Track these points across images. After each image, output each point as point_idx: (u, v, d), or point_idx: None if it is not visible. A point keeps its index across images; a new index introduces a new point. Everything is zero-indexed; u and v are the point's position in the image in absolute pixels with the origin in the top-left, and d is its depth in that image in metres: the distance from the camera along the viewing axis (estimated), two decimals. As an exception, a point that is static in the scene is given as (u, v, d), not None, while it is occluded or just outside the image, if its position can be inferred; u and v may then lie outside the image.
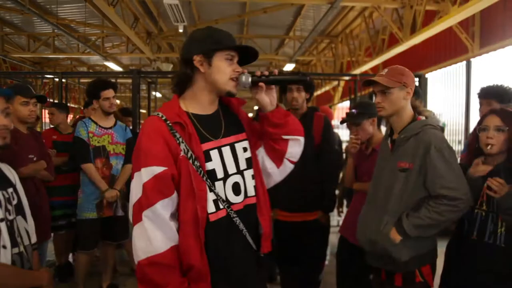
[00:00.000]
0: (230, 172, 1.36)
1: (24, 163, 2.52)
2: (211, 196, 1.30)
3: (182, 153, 1.28)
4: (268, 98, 1.41)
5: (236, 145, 1.40)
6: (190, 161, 1.28)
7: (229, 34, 1.39)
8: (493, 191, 1.67)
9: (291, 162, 1.54)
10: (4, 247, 1.34)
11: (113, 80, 4.56)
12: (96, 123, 3.06)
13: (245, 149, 1.42)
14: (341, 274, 2.62)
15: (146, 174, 1.25)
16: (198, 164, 1.29)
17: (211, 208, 1.30)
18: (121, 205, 3.06)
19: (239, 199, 1.37)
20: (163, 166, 1.25)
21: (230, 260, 1.33)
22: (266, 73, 1.38)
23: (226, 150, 1.37)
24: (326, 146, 2.69)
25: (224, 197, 1.33)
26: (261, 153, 1.51)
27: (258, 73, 1.37)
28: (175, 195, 1.28)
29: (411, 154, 1.72)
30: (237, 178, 1.37)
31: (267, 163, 1.50)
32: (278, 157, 1.49)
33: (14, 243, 1.39)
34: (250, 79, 1.36)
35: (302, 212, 2.68)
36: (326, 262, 4.03)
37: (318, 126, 2.69)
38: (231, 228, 1.33)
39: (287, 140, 1.46)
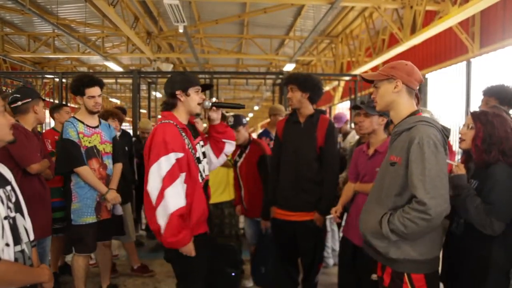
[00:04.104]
0: (201, 159, 2.22)
1: (36, 159, 2.68)
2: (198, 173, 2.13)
3: (186, 146, 2.06)
4: (217, 115, 2.28)
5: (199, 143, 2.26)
6: (190, 150, 2.09)
7: (194, 75, 2.31)
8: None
9: (226, 156, 2.42)
10: (7, 244, 1.34)
11: (112, 80, 4.52)
12: (82, 122, 2.87)
13: (202, 146, 2.27)
14: (343, 275, 2.63)
15: (174, 156, 1.98)
16: (193, 152, 2.12)
17: (200, 179, 2.14)
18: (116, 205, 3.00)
19: (205, 175, 2.22)
20: (182, 153, 2.01)
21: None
22: (216, 100, 2.27)
23: (198, 146, 2.22)
24: (328, 148, 2.70)
25: (203, 173, 2.19)
26: (208, 148, 2.35)
27: (213, 100, 2.24)
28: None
29: (400, 148, 1.67)
30: (203, 162, 2.24)
31: (211, 155, 2.37)
32: (218, 152, 2.37)
33: (16, 241, 1.40)
34: (210, 104, 2.21)
35: (299, 211, 2.70)
36: (331, 262, 4.04)
37: (322, 128, 2.72)
38: (205, 192, 2.18)
39: (225, 142, 2.35)
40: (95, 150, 2.88)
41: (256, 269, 3.21)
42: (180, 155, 1.99)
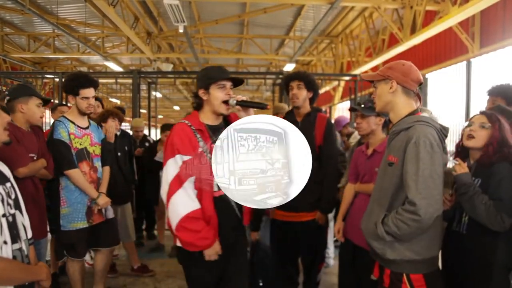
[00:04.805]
0: None
1: (24, 163, 2.47)
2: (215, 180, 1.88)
3: (200, 149, 1.89)
4: (246, 115, 1.99)
5: None
6: (206, 154, 1.89)
7: (221, 68, 2.00)
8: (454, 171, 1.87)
9: None
10: (5, 242, 1.34)
11: (112, 80, 4.49)
12: (73, 122, 2.76)
13: None
14: (343, 275, 2.63)
15: (180, 159, 1.85)
16: (209, 156, 1.85)
17: (215, 187, 1.90)
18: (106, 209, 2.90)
19: None
20: (189, 156, 1.86)
21: (223, 223, 1.94)
22: (242, 98, 1.98)
23: None
24: (327, 147, 2.68)
25: None
26: None
27: (239, 98, 1.96)
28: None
29: (397, 148, 1.67)
30: None
31: None
32: None
33: (14, 239, 1.40)
34: (234, 102, 1.95)
35: (300, 212, 2.68)
36: (332, 262, 4.04)
37: (320, 126, 2.69)
38: (226, 202, 1.93)
39: None
40: (85, 152, 2.79)
41: (253, 281, 3.14)
42: (187, 157, 1.85)
